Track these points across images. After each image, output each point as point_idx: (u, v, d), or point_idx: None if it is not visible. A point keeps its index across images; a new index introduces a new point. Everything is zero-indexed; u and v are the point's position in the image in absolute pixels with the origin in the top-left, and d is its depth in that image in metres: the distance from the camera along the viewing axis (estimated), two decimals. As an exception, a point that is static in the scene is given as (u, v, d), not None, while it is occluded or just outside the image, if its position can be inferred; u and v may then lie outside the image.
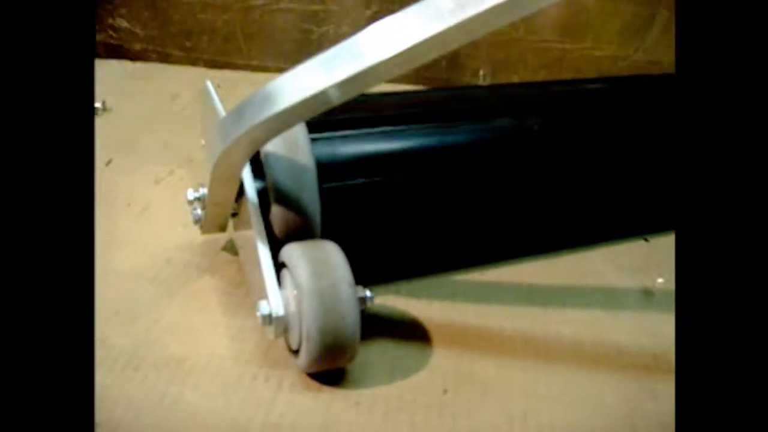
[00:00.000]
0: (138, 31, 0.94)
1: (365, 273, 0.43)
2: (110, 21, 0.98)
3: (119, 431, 0.40)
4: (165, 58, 0.92)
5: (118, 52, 0.94)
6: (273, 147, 0.44)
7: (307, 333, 0.40)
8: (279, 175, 0.44)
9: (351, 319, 0.40)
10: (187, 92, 0.75)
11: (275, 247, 0.44)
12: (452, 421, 0.41)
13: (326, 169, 0.46)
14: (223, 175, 0.44)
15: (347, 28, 0.95)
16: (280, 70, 0.93)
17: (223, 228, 0.52)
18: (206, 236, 0.54)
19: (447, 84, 0.96)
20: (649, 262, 0.55)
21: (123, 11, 0.99)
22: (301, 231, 0.44)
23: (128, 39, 0.95)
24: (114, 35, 0.97)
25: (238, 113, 0.39)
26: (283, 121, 0.39)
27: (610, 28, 0.93)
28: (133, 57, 0.94)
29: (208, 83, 0.55)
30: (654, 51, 0.92)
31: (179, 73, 0.80)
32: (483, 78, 0.97)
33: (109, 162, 0.63)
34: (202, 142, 0.62)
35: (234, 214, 0.50)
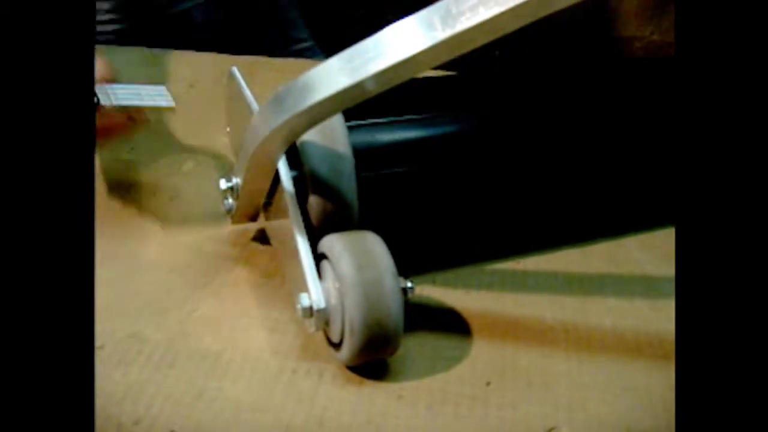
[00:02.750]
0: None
1: (400, 262, 0.42)
2: None
3: (159, 427, 0.39)
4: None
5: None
6: (310, 135, 0.44)
7: (350, 326, 0.39)
8: (316, 164, 0.43)
9: (395, 312, 0.39)
10: (204, 78, 0.74)
11: (311, 238, 0.43)
12: (498, 413, 0.40)
13: (363, 157, 0.45)
14: (259, 164, 0.43)
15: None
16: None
17: (254, 218, 0.51)
18: (236, 226, 0.53)
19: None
20: (684, 248, 0.54)
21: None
22: (338, 221, 0.43)
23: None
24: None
25: (277, 102, 0.38)
26: (324, 111, 0.38)
27: (628, 10, 0.92)
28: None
29: (234, 69, 0.54)
30: (671, 33, 0.91)
31: (193, 59, 0.79)
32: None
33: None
34: (228, 129, 0.61)
35: (266, 204, 0.49)
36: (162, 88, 0.57)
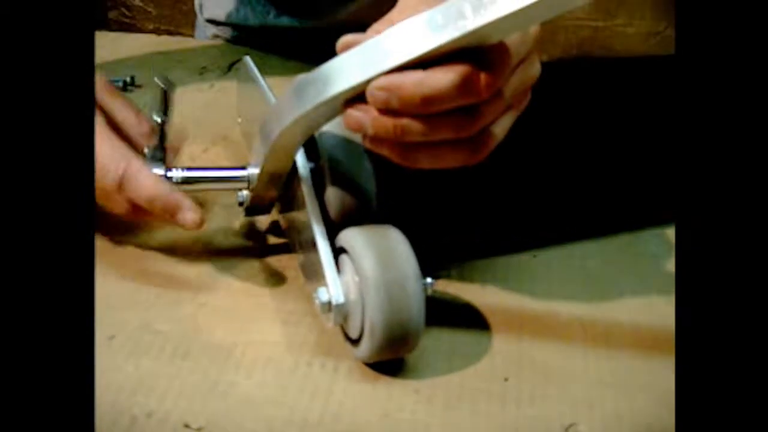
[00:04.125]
0: (150, 9, 0.92)
1: (416, 255, 0.41)
2: (123, -1, 0.95)
3: (172, 420, 0.38)
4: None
5: (130, 31, 0.91)
6: (328, 125, 0.43)
7: (371, 326, 0.38)
8: (335, 155, 0.43)
9: (417, 314, 0.39)
10: (214, 66, 0.73)
11: (329, 230, 0.42)
12: (516, 409, 0.40)
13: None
14: (278, 155, 0.42)
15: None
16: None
17: (268, 210, 0.50)
18: (248, 219, 0.52)
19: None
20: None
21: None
22: (356, 213, 0.43)
23: (141, 18, 0.92)
24: (127, 13, 0.94)
25: (298, 92, 0.37)
26: (344, 102, 0.37)
27: (643, 5, 0.91)
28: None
29: (247, 58, 0.54)
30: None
31: (203, 47, 0.79)
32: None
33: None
34: (239, 119, 0.60)
35: (281, 196, 0.48)
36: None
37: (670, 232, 0.54)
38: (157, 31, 0.88)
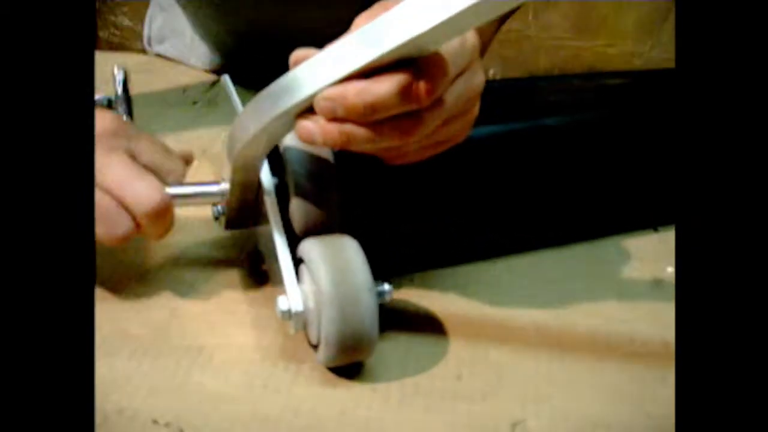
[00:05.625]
0: (140, 29, 0.94)
1: (378, 263, 0.43)
2: (112, 18, 0.97)
3: (142, 417, 0.40)
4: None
5: (120, 50, 0.93)
6: (292, 140, 0.45)
7: (326, 338, 0.41)
8: (298, 169, 0.44)
9: (369, 323, 0.41)
10: (198, 83, 0.76)
11: (294, 242, 0.44)
12: (467, 405, 0.42)
13: (346, 160, 0.45)
14: (243, 169, 0.44)
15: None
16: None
17: (246, 223, 0.52)
18: (225, 231, 0.54)
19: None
20: (659, 252, 0.56)
21: (125, 9, 0.99)
22: (321, 226, 0.44)
23: (130, 37, 0.94)
24: (116, 33, 0.96)
25: (256, 106, 0.39)
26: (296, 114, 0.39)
27: (625, 25, 0.92)
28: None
29: (226, 77, 0.56)
30: (670, 48, 0.92)
31: (187, 69, 0.81)
32: (493, 77, 0.97)
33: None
34: (223, 135, 0.62)
35: (253, 208, 0.50)
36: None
37: (628, 240, 0.56)
38: (146, 51, 0.90)
